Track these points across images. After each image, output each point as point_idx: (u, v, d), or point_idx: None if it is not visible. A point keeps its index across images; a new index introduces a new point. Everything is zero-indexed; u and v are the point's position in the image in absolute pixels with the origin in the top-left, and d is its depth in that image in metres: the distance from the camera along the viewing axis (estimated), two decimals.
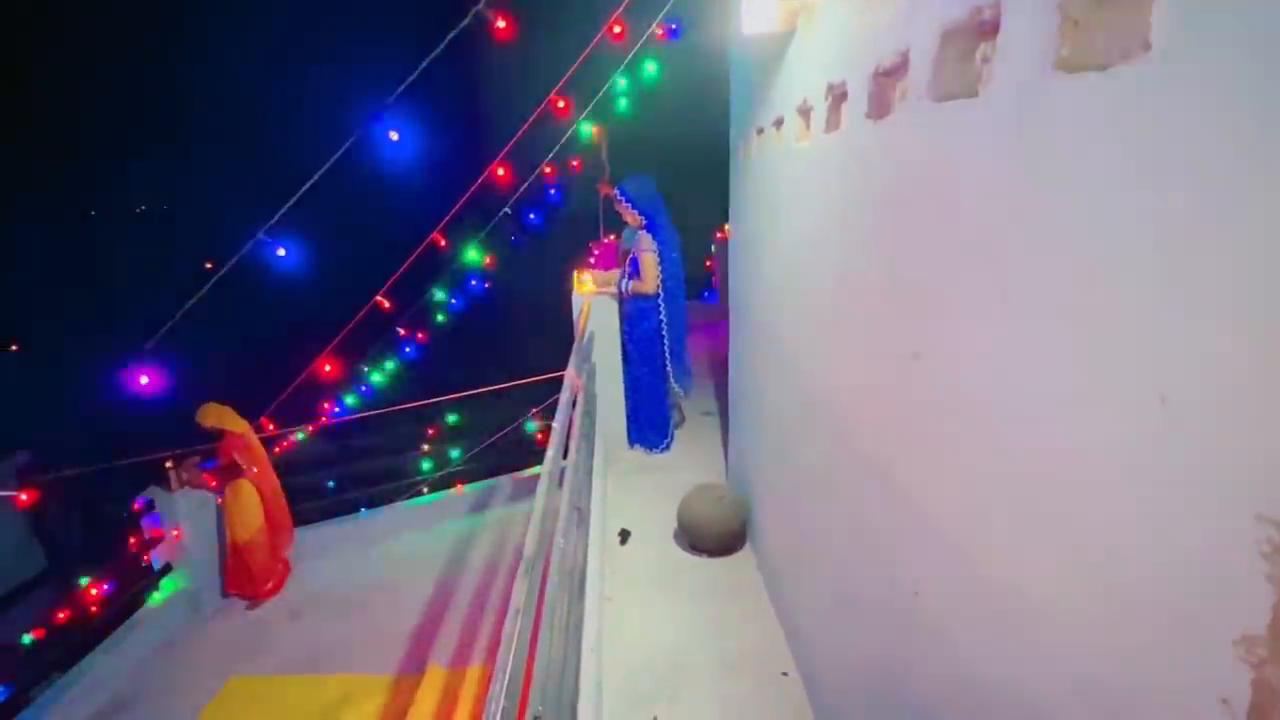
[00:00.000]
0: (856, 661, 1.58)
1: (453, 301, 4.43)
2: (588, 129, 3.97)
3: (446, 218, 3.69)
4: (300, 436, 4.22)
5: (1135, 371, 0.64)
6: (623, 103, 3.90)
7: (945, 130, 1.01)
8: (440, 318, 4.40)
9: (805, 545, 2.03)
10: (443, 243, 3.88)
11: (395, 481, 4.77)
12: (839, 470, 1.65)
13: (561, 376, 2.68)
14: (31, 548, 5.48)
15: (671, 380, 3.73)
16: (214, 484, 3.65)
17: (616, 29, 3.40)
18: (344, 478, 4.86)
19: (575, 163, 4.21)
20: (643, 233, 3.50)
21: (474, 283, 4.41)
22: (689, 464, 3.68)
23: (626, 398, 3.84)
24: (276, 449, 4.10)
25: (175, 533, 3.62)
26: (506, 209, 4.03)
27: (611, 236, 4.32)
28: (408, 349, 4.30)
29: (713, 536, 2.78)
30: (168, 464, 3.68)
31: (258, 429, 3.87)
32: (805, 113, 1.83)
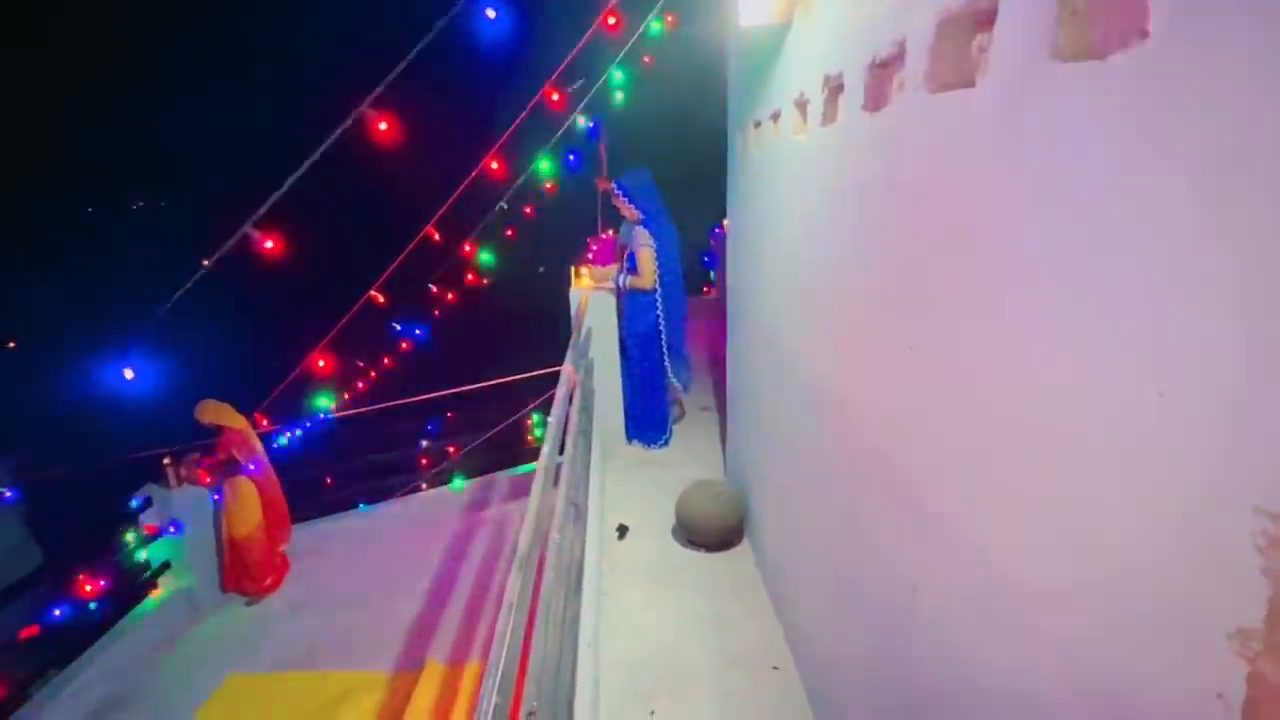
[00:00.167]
0: (855, 657, 1.58)
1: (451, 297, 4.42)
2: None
3: (440, 211, 3.67)
4: (298, 433, 4.21)
5: (1133, 365, 0.64)
6: (619, 96, 3.85)
7: (942, 121, 1.00)
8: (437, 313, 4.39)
9: (803, 540, 2.03)
10: (436, 237, 3.86)
11: (393, 478, 4.77)
12: (837, 465, 1.65)
13: (559, 372, 2.67)
14: (29, 544, 5.49)
15: (670, 375, 3.72)
16: (209, 480, 3.65)
17: (611, 20, 3.37)
18: (342, 474, 4.86)
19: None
20: (640, 228, 3.48)
21: (470, 278, 4.40)
22: (687, 459, 3.67)
23: (624, 393, 3.83)
24: (275, 444, 4.09)
25: (172, 529, 3.61)
26: (502, 203, 4.00)
27: (609, 232, 4.30)
28: (417, 331, 4.28)
29: (711, 532, 2.78)
30: (166, 461, 3.68)
31: (252, 425, 3.86)
32: (802, 106, 1.82)
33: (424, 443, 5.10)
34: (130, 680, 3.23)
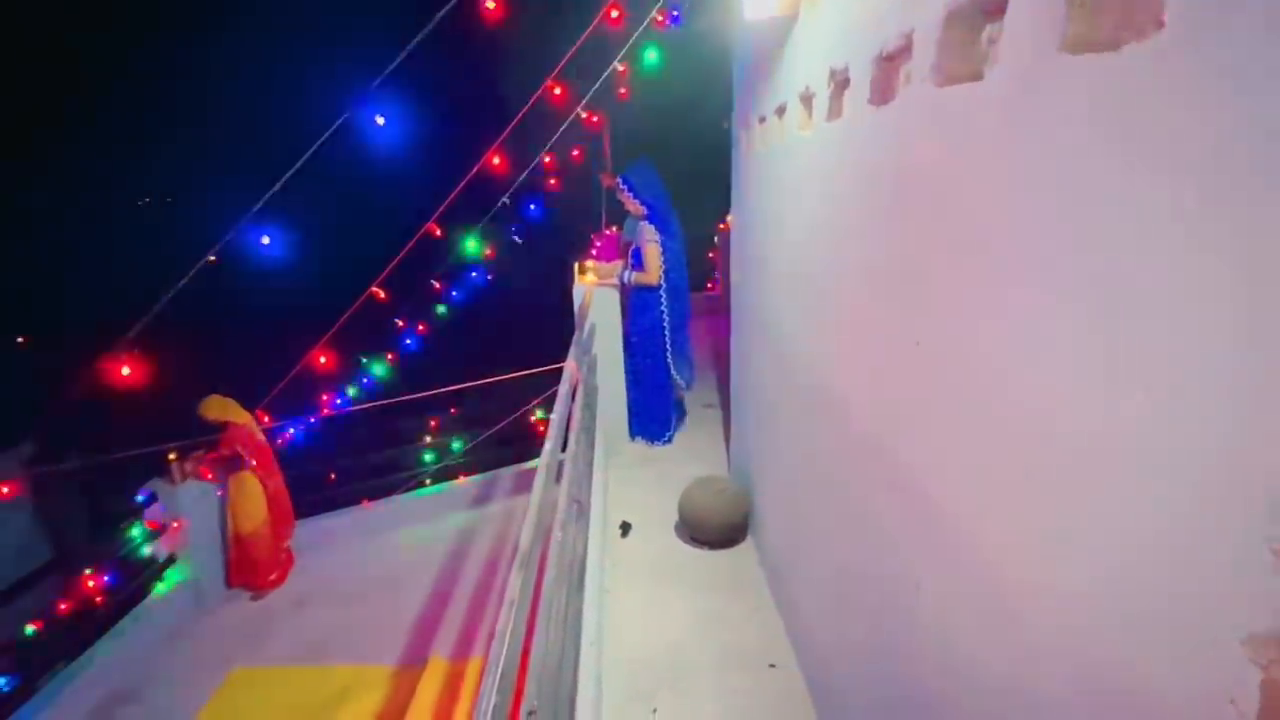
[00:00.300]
0: (858, 656, 1.57)
1: (453, 294, 4.40)
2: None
3: (442, 207, 3.65)
4: (301, 428, 4.23)
5: (1145, 365, 0.62)
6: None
7: (949, 115, 0.98)
8: (441, 309, 4.38)
9: (806, 538, 2.02)
10: (438, 233, 3.84)
11: (398, 473, 4.78)
12: (841, 463, 1.63)
13: (563, 368, 2.67)
14: (38, 539, 5.53)
15: (673, 372, 3.71)
16: (211, 475, 3.66)
17: (614, 13, 3.34)
18: (346, 469, 4.87)
19: (576, 153, 4.13)
20: (645, 223, 3.47)
21: (474, 274, 4.38)
22: (690, 456, 3.67)
23: (628, 390, 3.82)
24: (279, 440, 4.10)
25: (175, 524, 3.63)
26: (505, 199, 3.98)
27: (614, 228, 4.29)
28: (408, 340, 4.27)
29: (714, 529, 2.77)
30: (170, 456, 3.69)
31: (255, 421, 3.88)
32: (807, 100, 1.80)
33: (426, 438, 5.12)
34: (136, 674, 3.25)
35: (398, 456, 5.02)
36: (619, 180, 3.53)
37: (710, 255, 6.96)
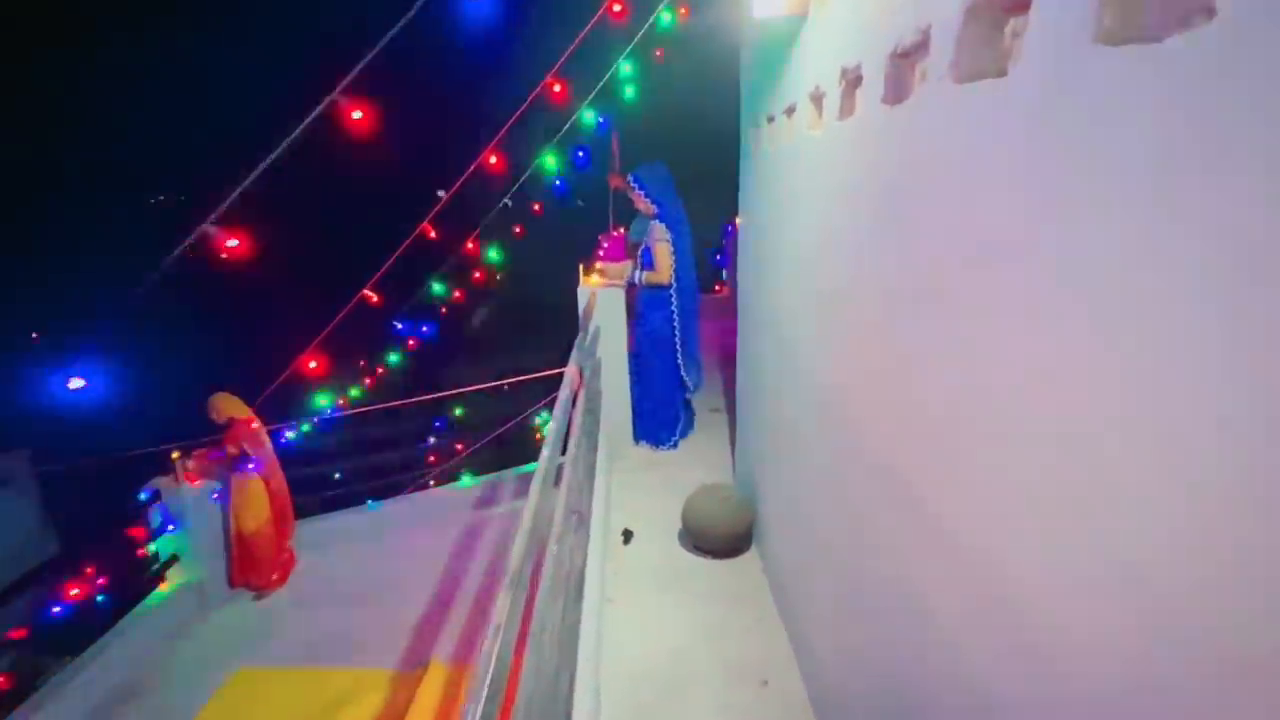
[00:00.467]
0: (864, 674, 1.52)
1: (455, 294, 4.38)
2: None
3: (438, 207, 3.61)
4: (305, 428, 4.22)
5: (1187, 383, 0.56)
6: (630, 90, 3.73)
7: (969, 114, 0.92)
8: (442, 309, 4.35)
9: (812, 552, 1.96)
10: (432, 234, 3.80)
11: (402, 474, 4.77)
12: (849, 474, 1.58)
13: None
14: (46, 533, 5.58)
15: (682, 373, 3.67)
16: (216, 474, 3.66)
17: (616, 7, 3.26)
18: (351, 470, 4.86)
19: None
20: (656, 222, 3.44)
21: (476, 276, 4.35)
22: (695, 461, 3.61)
23: (633, 393, 3.77)
24: (281, 439, 4.10)
25: (171, 528, 3.63)
26: (506, 200, 3.94)
27: (620, 229, 4.24)
28: (424, 328, 4.24)
29: (718, 538, 2.71)
30: (174, 455, 3.69)
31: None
32: (818, 99, 1.74)
33: (431, 439, 5.09)
34: (137, 673, 3.25)
35: (404, 457, 5.01)
36: (630, 178, 3.49)
37: (718, 257, 6.91)
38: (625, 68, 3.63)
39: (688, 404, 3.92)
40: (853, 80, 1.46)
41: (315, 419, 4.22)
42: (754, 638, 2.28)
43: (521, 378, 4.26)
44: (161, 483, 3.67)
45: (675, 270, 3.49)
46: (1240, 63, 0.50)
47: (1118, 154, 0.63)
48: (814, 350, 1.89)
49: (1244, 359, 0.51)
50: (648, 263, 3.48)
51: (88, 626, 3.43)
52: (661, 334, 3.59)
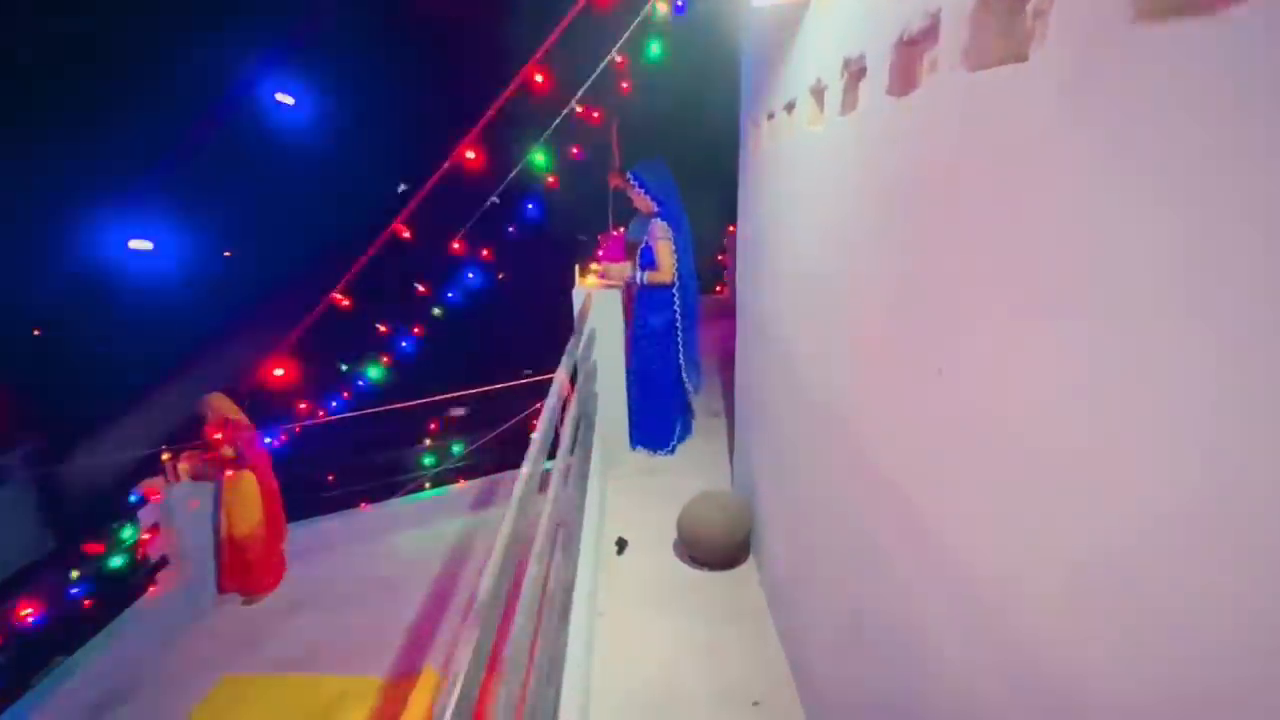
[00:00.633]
0: (865, 697, 1.43)
1: (450, 295, 4.29)
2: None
3: (411, 205, 3.51)
4: (297, 430, 4.16)
5: (1217, 409, 0.48)
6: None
7: (983, 105, 0.83)
8: (437, 311, 4.26)
9: (811, 566, 1.88)
10: (406, 233, 3.69)
11: (396, 477, 4.70)
12: (851, 492, 1.49)
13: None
14: (42, 530, 5.57)
15: (682, 375, 3.58)
16: (209, 475, 3.61)
17: None
18: (343, 472, 4.80)
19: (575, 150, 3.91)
20: (657, 221, 3.36)
21: (470, 275, 4.26)
22: (692, 468, 3.52)
23: (630, 396, 3.68)
24: (274, 442, 4.03)
25: (157, 527, 3.58)
26: (494, 198, 3.84)
27: (619, 229, 4.15)
28: (404, 344, 4.16)
29: (714, 549, 2.63)
30: (164, 456, 3.64)
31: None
32: (818, 93, 1.65)
33: (426, 441, 5.03)
34: (127, 677, 3.20)
35: (396, 459, 4.95)
36: (630, 176, 3.40)
37: (719, 258, 6.81)
38: (619, 60, 3.49)
39: (688, 407, 3.83)
40: (855, 72, 1.37)
41: (311, 421, 4.16)
42: (750, 656, 2.19)
43: (520, 380, 4.18)
44: (152, 484, 3.61)
45: (677, 269, 3.41)
46: None
47: (1161, 144, 0.54)
48: (813, 359, 1.80)
49: None
50: (648, 262, 3.40)
51: (82, 625, 3.39)
52: (664, 335, 3.51)
